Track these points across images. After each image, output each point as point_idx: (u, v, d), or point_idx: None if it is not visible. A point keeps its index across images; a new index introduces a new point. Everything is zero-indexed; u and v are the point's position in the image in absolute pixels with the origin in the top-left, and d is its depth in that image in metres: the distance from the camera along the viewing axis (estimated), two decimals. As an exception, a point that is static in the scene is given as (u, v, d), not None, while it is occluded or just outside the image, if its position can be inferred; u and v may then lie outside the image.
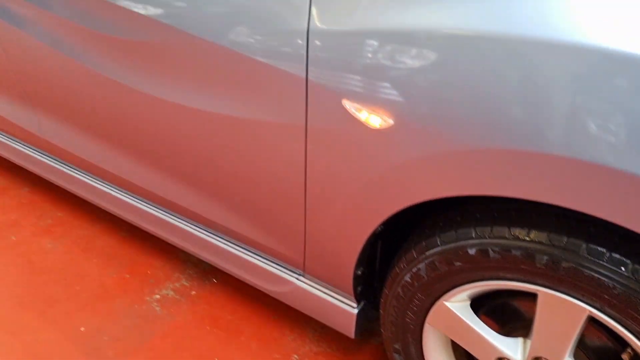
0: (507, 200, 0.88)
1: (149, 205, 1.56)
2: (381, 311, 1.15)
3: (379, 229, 1.03)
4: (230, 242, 1.40)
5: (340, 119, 0.93)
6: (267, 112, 1.04)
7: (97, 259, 1.78)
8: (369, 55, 0.86)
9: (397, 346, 1.15)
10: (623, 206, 0.71)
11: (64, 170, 1.76)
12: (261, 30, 0.98)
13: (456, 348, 1.13)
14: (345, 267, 1.13)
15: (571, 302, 0.84)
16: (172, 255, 1.80)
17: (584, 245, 0.80)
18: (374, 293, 1.25)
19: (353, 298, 1.21)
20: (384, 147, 0.90)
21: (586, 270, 0.79)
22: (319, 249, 1.16)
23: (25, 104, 1.65)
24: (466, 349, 1.04)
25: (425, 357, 1.13)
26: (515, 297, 0.99)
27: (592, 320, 0.87)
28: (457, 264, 0.94)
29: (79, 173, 1.73)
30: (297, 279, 1.29)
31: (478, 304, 1.02)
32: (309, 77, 0.94)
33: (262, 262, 1.35)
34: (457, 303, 1.01)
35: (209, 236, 1.44)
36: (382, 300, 1.13)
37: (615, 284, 0.78)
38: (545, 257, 0.82)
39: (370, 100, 0.88)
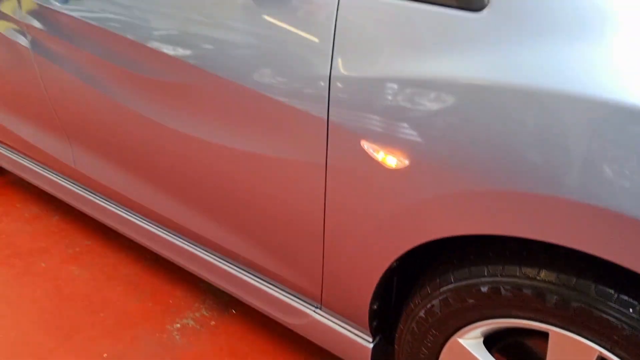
0: (519, 239, 0.91)
1: (173, 236, 1.61)
2: (396, 346, 1.17)
3: (394, 264, 1.07)
4: (250, 273, 1.45)
5: (359, 158, 0.98)
6: (289, 151, 1.09)
7: (122, 287, 1.84)
8: (387, 99, 0.91)
9: (411, 382, 1.17)
10: (632, 250, 0.74)
11: (94, 200, 1.83)
12: (285, 73, 1.04)
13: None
14: (361, 301, 1.16)
15: (582, 342, 0.86)
16: (193, 285, 1.84)
17: (593, 286, 0.82)
18: (390, 328, 1.27)
19: (369, 332, 1.23)
20: (400, 186, 0.94)
21: (595, 311, 0.81)
22: (336, 283, 1.19)
23: (62, 137, 1.74)
24: (479, 386, 1.06)
25: (439, 394, 1.14)
26: (528, 335, 1.00)
27: (602, 361, 0.88)
28: (470, 301, 0.96)
29: (108, 203, 1.80)
30: (314, 311, 1.32)
31: (491, 342, 1.04)
32: (330, 119, 0.99)
33: (281, 294, 1.38)
34: (471, 340, 1.03)
35: (230, 267, 1.48)
36: (397, 335, 1.16)
37: (623, 325, 0.80)
38: (555, 297, 0.85)
39: (387, 141, 0.92)
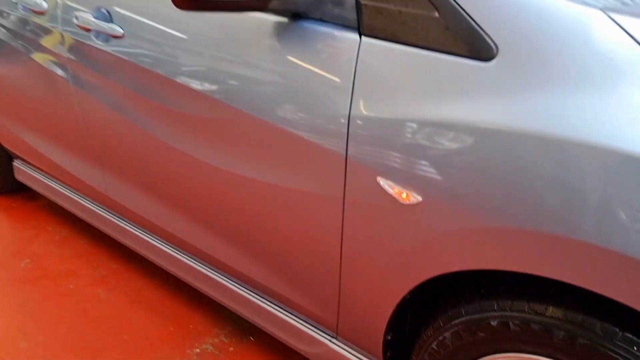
0: (528, 275, 0.94)
1: (195, 261, 1.67)
2: (409, 377, 1.20)
3: (408, 296, 1.10)
4: (269, 301, 1.49)
5: (375, 193, 1.03)
6: (309, 184, 1.15)
7: (145, 311, 1.90)
8: (403, 139, 0.96)
9: (423, 413, 1.18)
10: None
11: (123, 225, 1.91)
12: (307, 110, 1.10)
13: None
14: (376, 331, 1.20)
15: (589, 378, 0.88)
16: (213, 311, 1.89)
17: (598, 324, 0.85)
18: (403, 359, 1.29)
19: (383, 363, 1.26)
20: (414, 221, 0.99)
21: (601, 348, 0.84)
22: (352, 313, 1.23)
23: (95, 165, 1.83)
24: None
25: None
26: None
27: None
28: (480, 334, 0.99)
29: (136, 229, 1.87)
30: (330, 340, 1.35)
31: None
32: (349, 155, 1.05)
33: (298, 322, 1.42)
34: (481, 373, 1.05)
35: (249, 294, 1.53)
36: (410, 366, 1.18)
37: (628, 363, 0.82)
38: (562, 333, 0.88)
39: (402, 178, 0.98)
